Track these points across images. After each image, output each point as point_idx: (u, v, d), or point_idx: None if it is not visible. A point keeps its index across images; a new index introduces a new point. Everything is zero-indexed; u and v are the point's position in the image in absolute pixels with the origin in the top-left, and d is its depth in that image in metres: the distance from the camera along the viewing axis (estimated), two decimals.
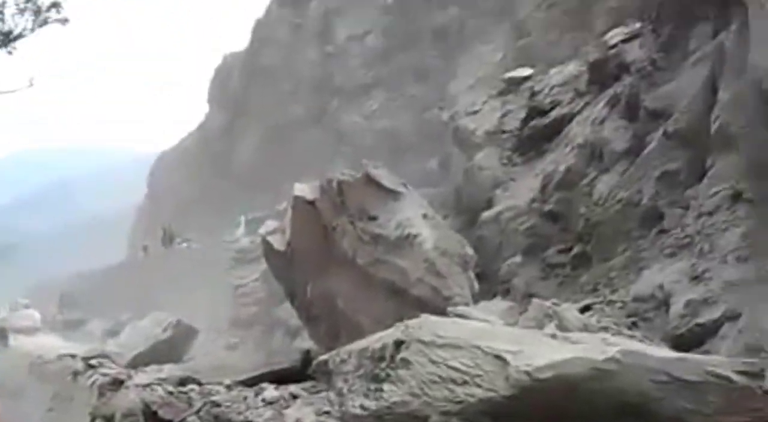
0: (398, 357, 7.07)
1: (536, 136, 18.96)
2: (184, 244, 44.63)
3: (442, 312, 11.92)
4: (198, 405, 12.19)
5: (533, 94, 20.19)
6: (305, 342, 17.59)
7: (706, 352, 9.84)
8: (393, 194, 16.52)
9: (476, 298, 15.44)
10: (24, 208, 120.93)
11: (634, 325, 11.62)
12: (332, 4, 43.90)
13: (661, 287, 11.82)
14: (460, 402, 6.49)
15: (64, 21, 14.13)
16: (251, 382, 14.43)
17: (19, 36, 13.91)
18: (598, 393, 6.23)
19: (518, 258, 16.65)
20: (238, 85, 50.52)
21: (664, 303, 11.61)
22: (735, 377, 6.28)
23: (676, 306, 11.18)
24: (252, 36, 51.04)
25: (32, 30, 14.04)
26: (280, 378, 15.45)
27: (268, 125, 45.22)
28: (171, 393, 12.59)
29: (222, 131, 50.58)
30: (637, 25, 16.97)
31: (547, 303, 12.21)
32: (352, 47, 41.96)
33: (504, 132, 20.60)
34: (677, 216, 12.81)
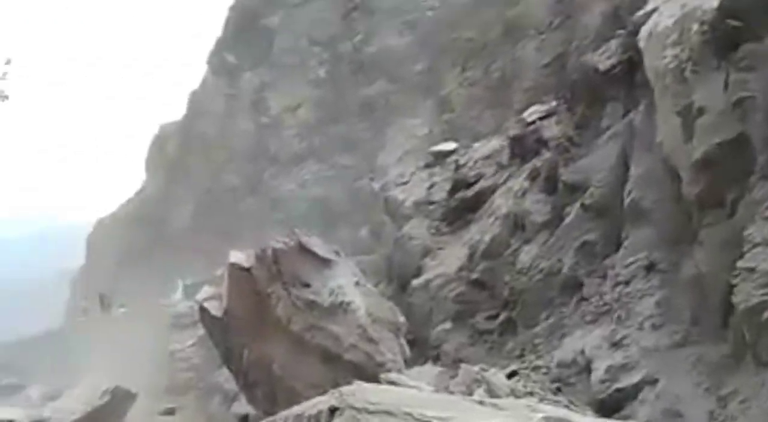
0: None
1: (462, 206, 19.51)
2: (122, 310, 43.77)
3: (375, 378, 12.19)
4: None
5: (458, 167, 20.80)
6: (243, 407, 17.53)
7: (627, 417, 10.35)
8: (326, 262, 16.82)
9: (408, 364, 15.72)
10: None
11: (558, 390, 12.07)
12: (266, 78, 44.56)
13: (582, 353, 12.35)
14: None
15: (4, 98, 14.09)
16: None
17: None
18: None
19: (448, 325, 17.00)
20: (175, 154, 50.56)
21: (586, 369, 12.11)
22: None
23: (597, 372, 11.69)
24: (188, 106, 51.34)
25: None
26: None
27: (204, 192, 45.24)
28: None
29: (159, 198, 50.36)
30: (554, 103, 17.92)
31: (476, 369, 12.64)
32: (285, 118, 42.52)
33: (431, 203, 21.14)
34: (596, 285, 13.42)
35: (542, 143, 17.08)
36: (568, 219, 14.78)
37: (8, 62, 13.89)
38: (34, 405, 31.82)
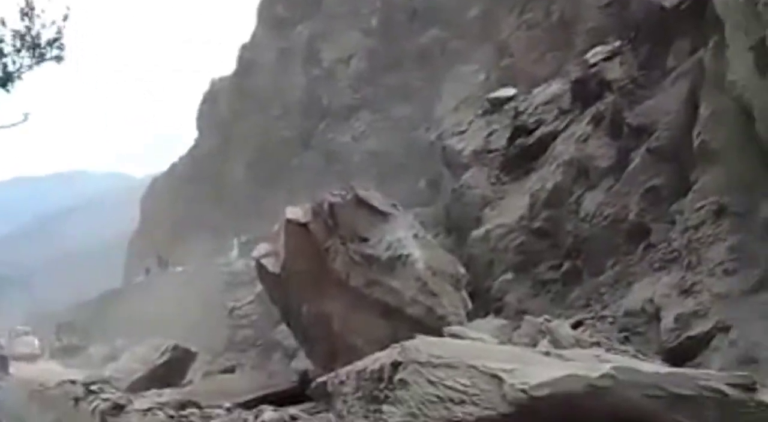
0: (396, 378, 7.18)
1: (522, 154, 19.09)
2: (179, 269, 44.64)
3: (436, 332, 12.03)
4: None
5: (518, 113, 20.33)
6: (302, 362, 17.60)
7: (699, 365, 9.99)
8: (384, 215, 16.64)
9: (469, 316, 15.55)
10: (20, 238, 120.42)
11: (626, 340, 11.77)
12: (317, 29, 44.18)
13: (651, 301, 11.99)
14: None
15: (60, 59, 14.15)
16: (250, 404, 14.51)
17: (18, 75, 13.92)
18: (594, 409, 6.33)
19: (509, 276, 16.76)
20: (227, 109, 50.74)
21: (655, 317, 11.77)
22: (728, 390, 6.37)
23: (667, 320, 11.34)
24: (238, 60, 51.32)
25: (30, 67, 14.05)
26: (278, 399, 15.54)
27: (258, 148, 45.37)
28: (172, 417, 12.70)
29: (212, 155, 50.71)
30: (617, 43, 17.24)
31: (540, 320, 12.36)
32: (337, 69, 42.17)
33: (490, 151, 20.71)
34: (664, 231, 13.02)
35: (605, 86, 16.50)
36: (633, 164, 14.34)
37: (65, 18, 13.89)
38: (94, 365, 32.67)
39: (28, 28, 13.71)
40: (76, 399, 13.91)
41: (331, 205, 16.37)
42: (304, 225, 16.37)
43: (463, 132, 23.05)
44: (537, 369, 6.83)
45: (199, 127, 56.14)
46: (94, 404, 13.44)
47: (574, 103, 18.13)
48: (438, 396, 6.80)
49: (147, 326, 34.25)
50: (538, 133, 18.92)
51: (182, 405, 13.50)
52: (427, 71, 34.98)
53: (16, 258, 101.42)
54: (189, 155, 57.56)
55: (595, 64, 17.52)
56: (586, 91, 17.50)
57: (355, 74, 41.18)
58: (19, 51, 13.87)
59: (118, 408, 13.17)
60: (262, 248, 19.25)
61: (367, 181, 19.18)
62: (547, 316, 12.73)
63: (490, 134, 21.56)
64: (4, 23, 13.56)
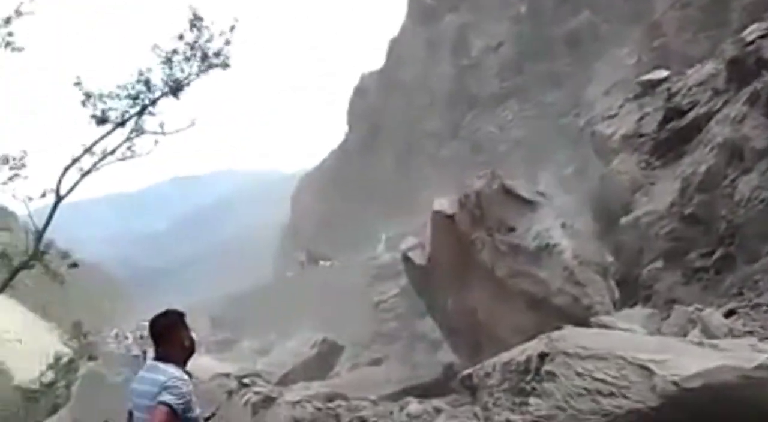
0: (543, 369, 7.20)
1: (674, 137, 18.42)
2: (328, 263, 45.78)
3: (582, 321, 11.96)
4: (346, 420, 12.75)
5: (670, 96, 19.60)
6: (447, 355, 17.84)
7: None
8: (530, 204, 16.61)
9: (617, 305, 15.28)
10: (175, 233, 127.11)
11: None
12: (466, 18, 44.15)
13: None
14: (607, 415, 6.51)
15: (226, 66, 14.98)
16: (396, 396, 14.94)
17: (186, 82, 14.83)
18: (749, 401, 6.13)
19: (659, 264, 16.24)
20: (376, 103, 51.55)
21: None
22: None
23: None
24: (388, 54, 52.05)
25: (197, 75, 14.92)
26: (423, 391, 15.91)
27: (406, 140, 45.90)
28: (320, 409, 13.24)
29: (361, 149, 51.70)
30: None
31: (691, 309, 12.00)
32: (486, 58, 41.97)
33: (641, 135, 20.12)
34: None
35: (763, 64, 15.63)
36: None
37: (232, 29, 14.69)
38: (246, 358, 34.10)
39: (197, 39, 14.67)
40: (230, 392, 14.59)
41: (478, 195, 16.50)
42: (451, 216, 16.59)
43: (613, 116, 22.52)
44: (689, 360, 6.63)
45: (349, 122, 57.31)
46: (247, 397, 14.07)
47: (729, 83, 17.28)
48: (586, 389, 6.75)
49: (297, 320, 35.49)
50: (691, 115, 18.19)
51: (330, 398, 13.98)
52: (577, 56, 34.30)
53: (171, 253, 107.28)
54: (339, 150, 58.86)
55: (751, 42, 16.64)
56: (743, 70, 16.64)
57: (503, 63, 40.87)
58: (188, 60, 14.84)
59: (269, 401, 13.78)
60: (409, 241, 19.71)
61: (514, 170, 19.09)
62: (698, 305, 12.34)
63: (642, 118, 20.94)
64: (181, 37, 14.60)
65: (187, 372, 4.26)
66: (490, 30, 42.34)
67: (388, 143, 47.57)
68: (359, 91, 56.44)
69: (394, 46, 51.32)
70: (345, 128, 58.54)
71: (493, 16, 42.32)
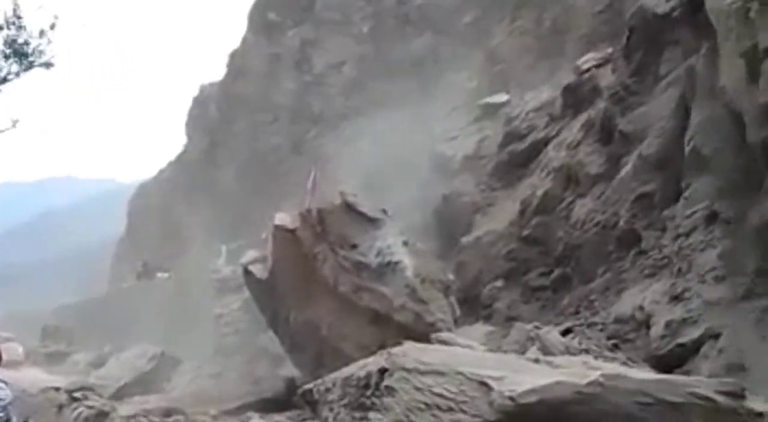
0: (383, 384, 7.14)
1: (513, 160, 19.05)
2: (165, 275, 44.32)
3: (424, 338, 11.91)
4: None
5: (509, 120, 20.28)
6: (289, 370, 17.45)
7: (688, 372, 9.90)
8: (373, 221, 16.52)
9: (458, 323, 15.43)
10: (6, 240, 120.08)
11: (615, 347, 11.65)
12: (308, 35, 44.05)
13: (641, 308, 11.90)
14: None
15: (49, 65, 14.21)
16: (236, 412, 14.41)
17: (5, 80, 13.96)
18: (582, 416, 6.31)
19: (499, 283, 16.66)
20: (216, 115, 50.44)
21: (645, 324, 11.67)
22: (717, 397, 6.34)
23: (657, 327, 11.24)
24: (228, 66, 51.08)
25: (17, 74, 14.10)
26: (264, 407, 15.42)
27: (247, 154, 45.09)
28: None
29: (201, 160, 50.33)
30: (609, 50, 17.22)
31: (529, 327, 12.31)
32: (329, 76, 42.01)
33: (482, 157, 20.68)
34: (654, 238, 12.92)
35: (597, 92, 16.47)
36: (624, 171, 14.26)
37: (52, 27, 13.93)
38: (80, 372, 32.35)
39: (16, 36, 13.76)
40: (60, 406, 13.76)
41: (320, 211, 16.27)
42: (292, 231, 16.25)
43: (454, 138, 23.01)
44: (525, 377, 6.83)
45: (188, 133, 55.79)
46: (78, 411, 13.32)
47: (565, 110, 18.08)
48: (425, 403, 6.79)
49: (133, 332, 34.01)
50: (529, 139, 18.89)
51: (167, 412, 13.45)
52: (419, 78, 34.87)
53: (2, 259, 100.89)
54: (177, 161, 57.22)
55: (587, 71, 17.52)
56: (578, 97, 17.47)
57: (346, 81, 41.05)
58: (7, 58, 13.92)
59: (102, 415, 13.09)
60: (250, 255, 19.20)
61: (357, 188, 18.96)
62: (536, 323, 12.67)
63: (482, 140, 21.56)
64: None
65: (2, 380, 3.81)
66: (332, 48, 42.45)
67: (229, 156, 46.56)
68: (198, 102, 55.01)
69: (235, 58, 50.39)
70: (183, 139, 56.82)
71: (336, 35, 42.45)
